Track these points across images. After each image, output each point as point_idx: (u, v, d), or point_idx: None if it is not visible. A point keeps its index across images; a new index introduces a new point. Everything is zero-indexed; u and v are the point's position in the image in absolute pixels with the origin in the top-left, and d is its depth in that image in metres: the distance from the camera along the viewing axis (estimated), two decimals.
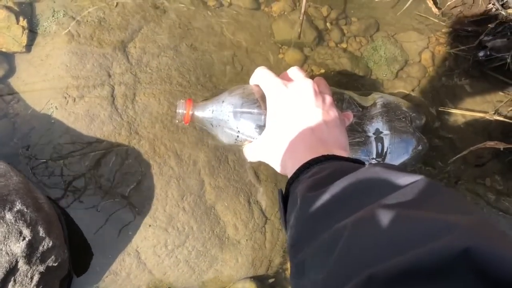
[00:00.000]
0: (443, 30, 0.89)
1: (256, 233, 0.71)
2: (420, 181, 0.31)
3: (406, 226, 0.27)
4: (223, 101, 0.59)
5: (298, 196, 0.40)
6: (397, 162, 0.71)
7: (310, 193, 0.38)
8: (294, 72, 0.59)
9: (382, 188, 0.33)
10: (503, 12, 0.84)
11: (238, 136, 0.59)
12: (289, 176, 0.48)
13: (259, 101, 0.58)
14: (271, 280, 0.72)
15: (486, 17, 0.85)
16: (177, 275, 0.66)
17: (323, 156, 0.46)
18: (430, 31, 0.89)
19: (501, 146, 0.71)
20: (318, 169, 0.43)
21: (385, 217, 0.28)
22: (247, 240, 0.70)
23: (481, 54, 0.85)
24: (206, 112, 0.60)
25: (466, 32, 0.87)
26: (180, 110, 0.59)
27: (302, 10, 0.78)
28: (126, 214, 0.65)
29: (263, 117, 0.57)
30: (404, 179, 0.32)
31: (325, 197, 0.36)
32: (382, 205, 0.30)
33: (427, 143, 0.73)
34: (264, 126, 0.56)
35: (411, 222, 0.27)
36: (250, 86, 0.60)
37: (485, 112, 0.83)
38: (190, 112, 0.59)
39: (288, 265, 0.73)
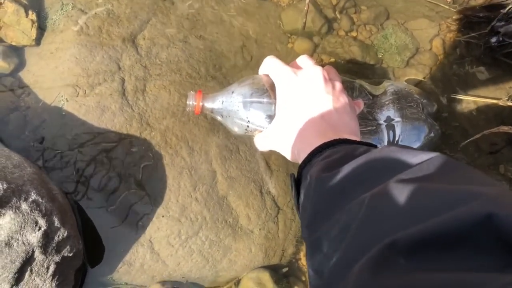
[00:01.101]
0: (454, 17, 0.88)
1: (268, 222, 0.70)
2: (437, 157, 0.31)
3: (426, 196, 0.27)
4: (232, 92, 0.59)
5: (311, 178, 0.40)
6: None
7: (324, 174, 0.38)
8: (304, 60, 0.58)
9: (398, 165, 0.32)
10: None
11: (248, 126, 0.59)
12: (300, 162, 0.48)
13: (268, 90, 0.58)
14: (284, 270, 0.72)
15: (498, 2, 0.84)
16: (190, 265, 0.66)
17: (335, 140, 0.45)
18: (441, 18, 0.88)
19: None
20: (331, 152, 0.43)
21: (403, 190, 0.28)
22: (260, 229, 0.70)
23: (493, 40, 0.84)
24: (216, 103, 0.59)
25: (478, 18, 0.86)
26: (190, 102, 0.59)
27: (307, 0, 0.77)
28: (139, 205, 0.65)
29: (273, 106, 0.57)
30: (420, 157, 0.32)
31: (340, 176, 0.36)
32: (399, 180, 0.30)
33: (439, 130, 0.72)
34: (274, 115, 0.56)
35: (431, 193, 0.27)
36: (260, 76, 0.60)
37: (498, 99, 0.82)
38: (200, 104, 0.59)
39: (302, 254, 0.73)
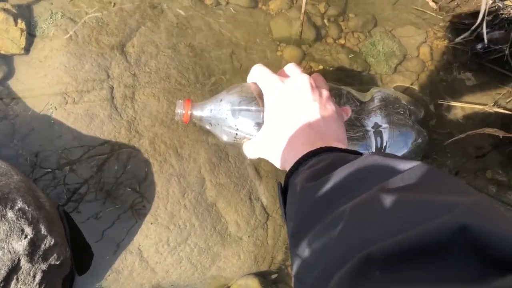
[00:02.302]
0: (441, 24, 0.89)
1: (258, 229, 0.71)
2: (418, 166, 0.31)
3: (405, 207, 0.27)
4: (221, 100, 0.59)
5: (297, 187, 0.40)
6: None
7: (309, 183, 0.38)
8: (291, 68, 0.59)
9: (381, 174, 0.33)
10: (500, 4, 0.84)
11: (237, 134, 0.59)
12: (287, 170, 0.48)
13: (257, 98, 0.58)
14: (273, 276, 0.72)
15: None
16: (179, 272, 0.66)
17: (321, 148, 0.46)
18: (427, 25, 0.89)
19: (500, 133, 0.71)
20: (316, 161, 0.43)
21: (383, 200, 0.28)
22: (249, 236, 0.70)
23: (479, 46, 0.85)
24: (205, 111, 0.60)
25: (464, 25, 0.87)
26: (179, 110, 0.60)
27: (303, 10, 0.78)
28: (128, 213, 0.65)
29: (261, 114, 0.57)
30: (402, 165, 0.32)
31: (324, 186, 0.36)
32: (380, 190, 0.30)
33: (427, 136, 0.73)
34: (263, 123, 0.57)
35: (409, 204, 0.27)
36: (248, 84, 0.61)
37: (484, 105, 0.83)
38: (189, 112, 0.60)
39: (290, 261, 0.73)
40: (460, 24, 0.88)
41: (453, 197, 0.27)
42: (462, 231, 0.23)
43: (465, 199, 0.26)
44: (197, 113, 0.60)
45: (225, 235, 0.69)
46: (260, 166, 0.74)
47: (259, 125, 0.57)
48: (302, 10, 0.78)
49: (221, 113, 0.58)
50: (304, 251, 0.34)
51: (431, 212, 0.25)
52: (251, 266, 0.70)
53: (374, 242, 0.26)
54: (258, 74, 0.58)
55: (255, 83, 0.59)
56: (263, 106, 0.57)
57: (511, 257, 0.21)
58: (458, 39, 0.86)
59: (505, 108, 0.82)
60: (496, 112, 0.82)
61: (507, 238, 0.22)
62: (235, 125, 0.58)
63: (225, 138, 0.61)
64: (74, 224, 0.63)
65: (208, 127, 0.61)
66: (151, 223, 0.65)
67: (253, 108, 0.58)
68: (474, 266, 0.22)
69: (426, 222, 0.24)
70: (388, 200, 0.28)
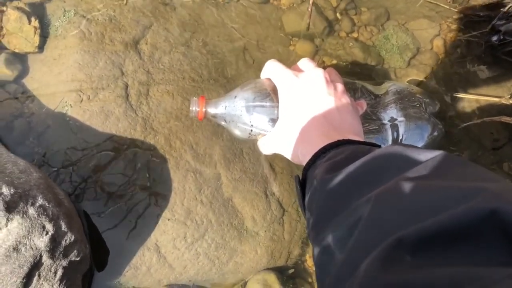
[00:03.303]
0: (454, 17, 0.89)
1: (274, 224, 0.70)
2: (441, 155, 0.31)
3: (432, 193, 0.27)
4: (235, 97, 0.59)
5: (316, 179, 0.40)
6: None
7: (329, 175, 0.38)
8: (305, 62, 0.59)
9: (402, 164, 0.32)
10: None
11: (251, 130, 0.59)
12: (304, 164, 0.48)
13: (271, 94, 0.58)
14: (290, 271, 0.72)
15: (498, 1, 0.84)
16: (197, 268, 0.66)
17: (339, 140, 0.45)
18: (441, 18, 0.89)
19: None
20: (334, 153, 0.43)
21: (408, 188, 0.28)
22: (265, 231, 0.70)
23: (494, 38, 0.84)
24: (219, 108, 0.60)
25: (478, 17, 0.87)
26: (193, 108, 0.59)
27: (311, 1, 0.78)
28: (144, 209, 0.65)
29: (275, 110, 0.57)
30: (424, 155, 0.32)
31: (345, 177, 0.36)
32: (404, 178, 0.30)
33: (443, 129, 0.72)
34: (277, 118, 0.56)
35: (436, 190, 0.27)
36: (262, 80, 0.60)
37: (500, 97, 0.82)
38: (203, 109, 0.60)
39: (307, 255, 0.73)
40: (475, 16, 0.87)
41: (481, 183, 0.26)
42: (492, 215, 0.23)
43: (493, 184, 0.26)
44: (211, 110, 0.60)
45: (242, 230, 0.68)
46: (274, 162, 0.74)
47: (274, 121, 0.57)
48: (310, 1, 0.78)
49: (236, 110, 0.58)
50: (327, 241, 0.34)
51: (459, 197, 0.25)
52: (268, 261, 0.70)
53: (402, 227, 0.25)
54: (272, 70, 0.58)
55: (269, 79, 0.59)
56: (277, 102, 0.56)
57: None
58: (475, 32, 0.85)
59: None
60: None
61: None
62: (250, 122, 0.58)
63: (239, 134, 0.61)
64: (92, 221, 0.64)
65: (222, 123, 0.61)
66: (168, 219, 0.65)
67: (268, 104, 0.57)
68: (505, 250, 0.22)
69: (454, 207, 0.24)
70: (413, 187, 0.28)
